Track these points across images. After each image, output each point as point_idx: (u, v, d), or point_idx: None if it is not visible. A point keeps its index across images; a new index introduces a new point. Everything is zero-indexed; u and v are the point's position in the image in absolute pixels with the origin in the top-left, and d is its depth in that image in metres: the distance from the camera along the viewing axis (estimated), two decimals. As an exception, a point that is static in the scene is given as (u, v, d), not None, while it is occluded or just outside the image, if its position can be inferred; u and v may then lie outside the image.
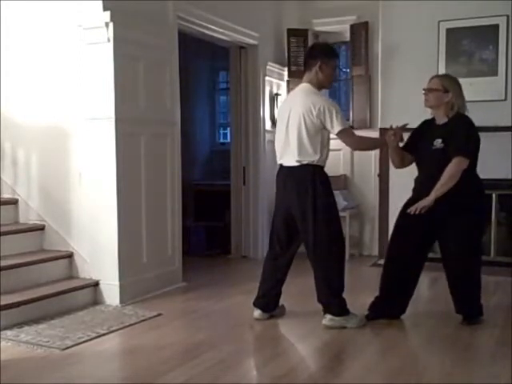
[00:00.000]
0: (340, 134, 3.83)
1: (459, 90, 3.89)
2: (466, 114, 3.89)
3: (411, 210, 3.77)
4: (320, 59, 3.89)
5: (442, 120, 3.90)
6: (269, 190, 6.05)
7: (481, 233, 4.04)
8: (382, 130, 4.25)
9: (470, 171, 3.81)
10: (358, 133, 4.43)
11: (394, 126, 3.96)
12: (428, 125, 4.00)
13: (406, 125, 3.96)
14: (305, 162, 3.84)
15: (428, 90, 3.91)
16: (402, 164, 4.09)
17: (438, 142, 3.82)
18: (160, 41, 4.81)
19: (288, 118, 3.90)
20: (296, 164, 3.86)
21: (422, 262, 4.04)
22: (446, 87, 3.85)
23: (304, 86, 3.93)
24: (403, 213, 3.97)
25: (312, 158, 3.83)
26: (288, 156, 3.91)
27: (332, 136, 3.92)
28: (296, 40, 6.65)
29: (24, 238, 4.57)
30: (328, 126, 3.79)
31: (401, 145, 4.05)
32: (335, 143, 4.11)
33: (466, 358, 3.42)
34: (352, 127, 6.32)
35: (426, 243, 4.01)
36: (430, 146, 3.86)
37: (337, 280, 3.88)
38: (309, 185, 3.82)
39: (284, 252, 4.06)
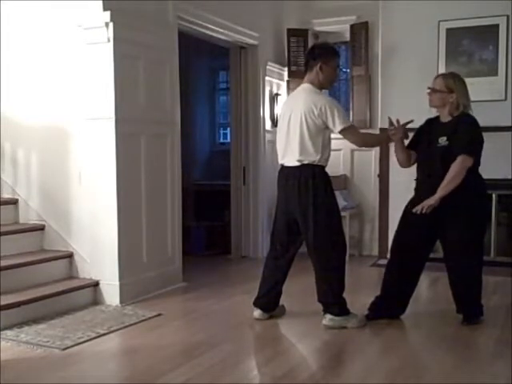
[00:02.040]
0: (343, 133, 3.83)
1: (464, 89, 3.88)
2: (470, 113, 3.89)
3: (417, 209, 3.76)
4: (320, 59, 3.89)
5: (446, 118, 3.90)
6: (269, 190, 6.07)
7: (482, 232, 4.04)
8: (382, 130, 4.26)
9: (473, 171, 3.81)
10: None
11: (394, 121, 3.97)
12: (432, 123, 3.99)
13: (411, 121, 3.95)
14: (306, 162, 3.83)
15: (432, 91, 3.90)
16: (407, 163, 4.08)
17: (443, 140, 3.81)
18: (160, 41, 4.81)
19: (289, 118, 3.90)
20: (297, 164, 3.86)
21: (423, 262, 4.03)
22: (450, 87, 3.84)
23: (305, 86, 3.93)
24: (406, 212, 3.97)
25: (313, 157, 3.83)
26: (289, 156, 3.91)
27: (332, 136, 3.92)
28: (296, 40, 6.65)
29: (24, 238, 4.57)
30: (330, 125, 3.79)
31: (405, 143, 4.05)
32: (335, 143, 4.11)
33: (466, 357, 3.42)
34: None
35: (428, 243, 4.01)
36: (433, 143, 3.85)
37: (337, 280, 3.88)
38: (310, 185, 3.82)
39: (285, 252, 4.06)
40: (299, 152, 3.84)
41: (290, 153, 3.90)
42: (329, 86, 4.12)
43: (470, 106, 3.90)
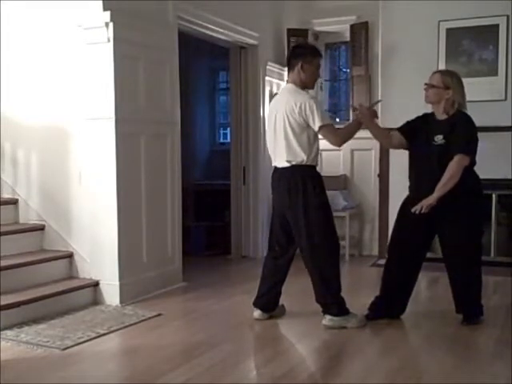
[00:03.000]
0: (322, 130, 3.79)
1: (460, 87, 3.88)
2: (465, 111, 3.89)
3: (416, 208, 3.75)
4: (301, 59, 3.89)
5: (441, 116, 3.90)
6: (269, 189, 5.98)
7: (480, 231, 4.04)
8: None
9: (469, 170, 3.81)
10: (358, 133, 4.39)
11: (357, 106, 4.01)
12: (428, 119, 3.98)
13: (379, 101, 3.98)
14: (295, 163, 3.83)
15: (429, 86, 3.91)
16: (389, 143, 4.11)
17: (439, 138, 3.81)
18: (160, 41, 4.81)
19: (275, 119, 3.90)
20: (287, 165, 3.85)
21: (421, 261, 4.04)
22: (447, 84, 3.85)
23: (288, 87, 3.96)
24: (402, 212, 3.97)
25: (301, 157, 3.82)
26: (279, 157, 3.91)
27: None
28: (296, 40, 6.62)
29: (24, 238, 4.57)
30: (310, 122, 3.78)
31: (378, 121, 4.07)
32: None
33: (466, 357, 3.42)
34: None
35: (425, 242, 4.01)
36: (429, 141, 3.85)
37: (334, 280, 3.87)
38: (300, 186, 3.82)
39: (283, 252, 4.05)
40: (286, 152, 3.83)
41: (278, 154, 3.90)
42: (311, 85, 4.05)
43: (465, 105, 3.90)
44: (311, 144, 3.85)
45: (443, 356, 3.40)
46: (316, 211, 3.83)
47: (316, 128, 3.78)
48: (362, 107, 3.98)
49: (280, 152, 3.88)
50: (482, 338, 3.77)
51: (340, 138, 3.97)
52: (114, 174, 4.41)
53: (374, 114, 4.02)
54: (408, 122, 4.06)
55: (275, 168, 3.99)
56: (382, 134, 4.07)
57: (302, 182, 3.82)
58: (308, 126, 3.80)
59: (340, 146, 4.01)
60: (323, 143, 3.99)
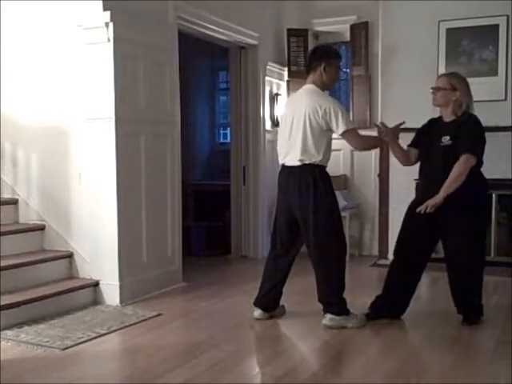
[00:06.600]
0: (344, 135, 3.84)
1: (467, 89, 3.90)
2: (473, 112, 3.90)
3: (421, 208, 3.74)
4: (324, 60, 3.91)
5: (449, 118, 3.91)
6: (269, 190, 6.07)
7: (484, 233, 4.04)
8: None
9: (475, 170, 3.81)
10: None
11: (379, 125, 4.02)
12: (435, 123, 4.01)
13: (402, 123, 3.97)
14: (307, 162, 3.84)
15: (436, 89, 3.91)
16: (408, 161, 4.09)
17: (446, 139, 3.82)
18: (160, 41, 4.81)
19: (292, 118, 3.91)
20: (298, 163, 3.87)
21: (424, 263, 4.04)
22: (454, 86, 3.86)
23: (308, 87, 3.95)
24: (410, 213, 3.97)
25: (315, 158, 3.84)
26: (291, 155, 3.92)
27: (333, 136, 3.93)
28: (296, 40, 6.65)
29: (24, 238, 4.57)
30: (333, 126, 3.80)
31: (401, 141, 4.05)
32: (335, 143, 4.11)
33: (466, 357, 3.42)
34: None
35: (429, 245, 4.01)
36: (437, 142, 3.85)
37: (337, 280, 3.88)
38: (310, 184, 3.83)
39: (286, 252, 4.06)
40: (301, 152, 3.85)
41: (291, 152, 3.91)
42: (332, 86, 4.18)
43: (472, 106, 3.91)
44: (328, 146, 3.89)
45: (443, 356, 3.40)
46: (325, 211, 3.84)
47: (340, 132, 3.81)
48: (387, 128, 3.98)
49: (294, 151, 3.89)
50: (482, 338, 3.77)
51: (362, 141, 4.06)
52: (114, 174, 4.41)
53: (397, 135, 4.03)
54: (416, 133, 4.09)
55: (283, 166, 4.00)
56: (403, 155, 4.07)
57: (313, 180, 3.83)
58: (328, 129, 3.83)
59: (360, 149, 4.13)
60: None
